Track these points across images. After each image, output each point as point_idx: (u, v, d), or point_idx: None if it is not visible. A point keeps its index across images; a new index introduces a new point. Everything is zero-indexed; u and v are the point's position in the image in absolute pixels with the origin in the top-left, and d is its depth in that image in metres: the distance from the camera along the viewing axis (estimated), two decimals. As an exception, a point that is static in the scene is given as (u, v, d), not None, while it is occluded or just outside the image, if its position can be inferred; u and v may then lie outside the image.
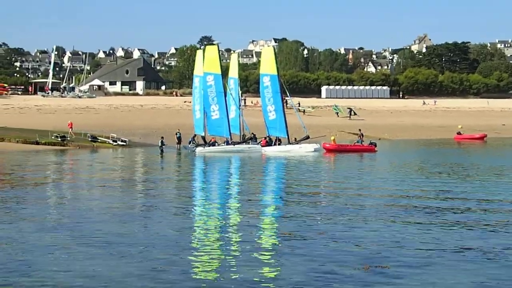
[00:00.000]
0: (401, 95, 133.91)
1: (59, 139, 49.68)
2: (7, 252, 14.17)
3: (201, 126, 50.35)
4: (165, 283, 11.92)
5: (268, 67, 51.34)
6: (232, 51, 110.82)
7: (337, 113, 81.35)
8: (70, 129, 51.74)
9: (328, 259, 13.60)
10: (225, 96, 49.95)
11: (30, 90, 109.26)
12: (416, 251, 14.26)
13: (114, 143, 50.60)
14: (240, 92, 56.13)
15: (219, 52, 51.41)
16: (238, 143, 48.73)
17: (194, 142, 49.73)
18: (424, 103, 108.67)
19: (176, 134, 50.42)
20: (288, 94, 55.52)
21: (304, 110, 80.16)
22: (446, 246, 14.83)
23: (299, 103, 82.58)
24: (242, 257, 13.78)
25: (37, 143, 48.60)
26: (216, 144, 48.02)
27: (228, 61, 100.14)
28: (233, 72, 53.73)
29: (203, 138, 49.90)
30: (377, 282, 11.96)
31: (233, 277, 12.27)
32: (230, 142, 48.18)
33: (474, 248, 14.59)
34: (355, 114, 79.29)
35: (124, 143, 50.67)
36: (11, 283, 11.89)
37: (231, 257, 13.75)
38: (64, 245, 14.88)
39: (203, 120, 50.25)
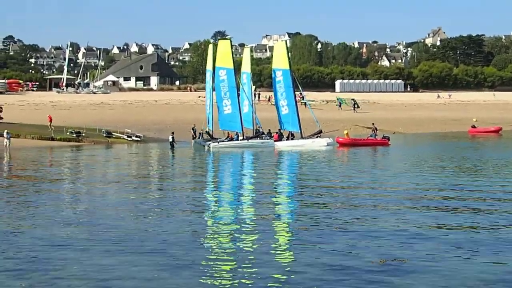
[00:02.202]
0: (409, 89, 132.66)
1: (74, 135, 50.10)
2: (23, 248, 14.30)
3: (209, 121, 50.89)
4: (181, 279, 12.00)
5: (280, 61, 51.37)
6: (245, 46, 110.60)
7: (340, 105, 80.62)
8: (50, 123, 51.72)
9: (343, 253, 13.63)
10: (238, 90, 50.10)
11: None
12: (432, 246, 14.23)
13: (129, 139, 50.88)
14: (253, 87, 56.16)
15: (231, 47, 51.50)
16: (251, 137, 48.76)
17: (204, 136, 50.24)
18: (438, 96, 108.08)
19: (193, 129, 50.66)
20: (300, 88, 55.51)
21: (305, 102, 79.45)
22: (462, 240, 14.79)
23: (302, 96, 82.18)
24: (258, 251, 13.84)
25: (53, 139, 49.00)
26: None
27: (241, 55, 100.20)
28: (246, 67, 53.80)
29: (208, 132, 50.11)
30: (393, 276, 11.94)
31: (249, 271, 12.33)
32: (244, 137, 48.24)
33: (491, 243, 14.55)
34: (358, 107, 78.57)
35: (139, 139, 50.91)
36: (27, 278, 12.03)
37: (247, 252, 13.81)
38: (80, 240, 15.02)
39: (211, 114, 50.68)
